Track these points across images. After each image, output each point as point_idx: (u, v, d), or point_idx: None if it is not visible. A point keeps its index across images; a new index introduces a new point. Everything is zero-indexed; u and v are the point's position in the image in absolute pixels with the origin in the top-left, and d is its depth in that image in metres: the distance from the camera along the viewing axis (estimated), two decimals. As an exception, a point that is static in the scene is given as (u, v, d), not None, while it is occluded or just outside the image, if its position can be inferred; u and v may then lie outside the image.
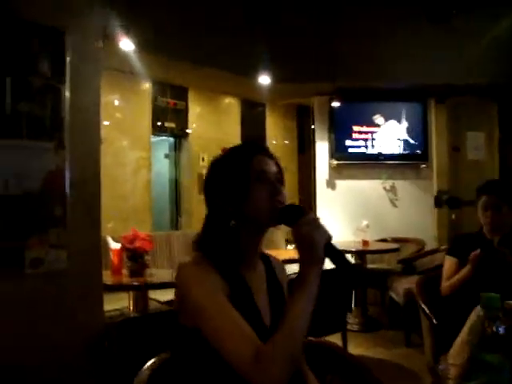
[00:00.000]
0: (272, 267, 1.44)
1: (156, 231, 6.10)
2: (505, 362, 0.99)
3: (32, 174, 2.15)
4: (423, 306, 2.75)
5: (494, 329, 1.01)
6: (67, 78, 2.27)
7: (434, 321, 2.64)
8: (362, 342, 4.33)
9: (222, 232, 1.28)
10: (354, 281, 1.30)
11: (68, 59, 2.27)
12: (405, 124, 5.98)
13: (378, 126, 5.96)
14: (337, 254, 1.15)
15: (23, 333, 2.10)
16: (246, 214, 1.26)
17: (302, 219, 1.17)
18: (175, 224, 7.01)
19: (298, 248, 1.17)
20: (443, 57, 5.26)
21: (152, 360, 1.59)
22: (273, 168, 1.31)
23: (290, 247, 4.88)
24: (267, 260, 1.45)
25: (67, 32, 2.26)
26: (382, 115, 5.96)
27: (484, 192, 2.78)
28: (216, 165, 1.36)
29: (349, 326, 4.32)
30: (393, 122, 5.98)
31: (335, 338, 3.58)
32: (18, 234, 2.09)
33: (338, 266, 1.16)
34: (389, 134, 5.97)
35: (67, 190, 2.23)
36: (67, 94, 2.27)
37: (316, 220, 1.18)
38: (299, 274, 1.16)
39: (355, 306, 4.80)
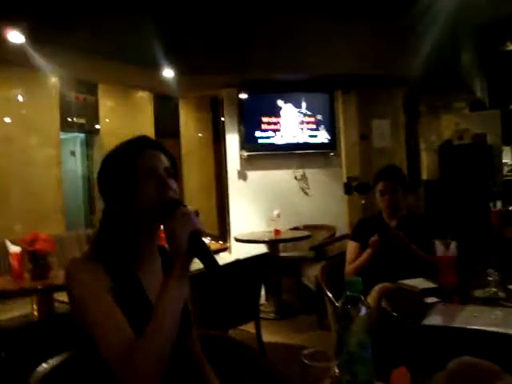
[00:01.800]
0: None
1: (70, 231, 5.89)
2: (367, 340, 1.05)
3: None
4: (326, 290, 2.85)
5: (357, 311, 1.07)
6: None
7: (337, 304, 2.75)
8: (277, 330, 4.43)
9: (112, 231, 1.29)
10: (217, 278, 1.26)
11: None
12: (312, 114, 6.13)
13: (285, 116, 6.08)
14: (201, 249, 1.13)
15: None
16: (136, 211, 1.25)
17: (174, 213, 1.17)
18: (90, 223, 6.81)
19: (167, 242, 1.18)
20: (348, 49, 5.44)
21: (48, 361, 1.55)
22: (162, 162, 1.30)
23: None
24: (165, 254, 1.43)
25: None
26: (290, 106, 6.08)
27: (380, 178, 2.94)
28: (105, 162, 1.33)
29: (264, 315, 4.41)
30: (300, 113, 6.11)
31: (250, 327, 3.65)
32: None
33: (203, 262, 1.13)
34: (297, 125, 6.10)
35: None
36: None
37: (186, 214, 1.17)
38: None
39: (270, 294, 4.89)
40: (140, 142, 1.34)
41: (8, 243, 3.24)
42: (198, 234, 1.14)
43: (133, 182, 1.24)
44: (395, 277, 2.47)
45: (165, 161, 1.31)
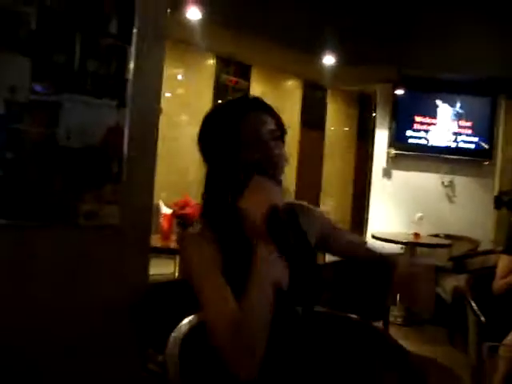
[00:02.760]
0: (293, 216, 1.33)
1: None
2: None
3: (93, 129, 2.21)
4: (472, 302, 2.66)
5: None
6: (134, 40, 2.30)
7: (482, 318, 2.56)
8: (404, 336, 4.24)
9: (217, 198, 1.24)
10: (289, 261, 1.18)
11: (136, 22, 2.30)
12: (471, 118, 5.75)
13: (440, 118, 5.76)
14: (276, 227, 1.02)
15: (68, 282, 2.18)
16: (236, 174, 1.18)
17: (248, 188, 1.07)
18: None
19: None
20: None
21: (190, 317, 1.61)
22: (266, 124, 1.21)
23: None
24: (289, 210, 1.32)
25: (138, -6, 2.29)
26: (446, 107, 5.76)
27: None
28: (207, 122, 1.29)
29: (392, 319, 4.25)
30: (458, 116, 5.77)
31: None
32: (76, 186, 2.16)
33: (276, 244, 1.03)
34: (453, 128, 5.76)
35: (125, 147, 2.28)
36: (132, 55, 2.31)
37: (261, 184, 1.07)
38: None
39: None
40: (243, 102, 1.27)
41: (161, 204, 3.48)
42: (275, 210, 1.02)
43: (236, 148, 1.19)
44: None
45: (270, 122, 1.23)
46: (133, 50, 2.33)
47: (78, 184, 2.17)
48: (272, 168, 1.18)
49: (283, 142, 1.25)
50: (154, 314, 2.48)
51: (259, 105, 1.26)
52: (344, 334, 1.62)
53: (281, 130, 1.25)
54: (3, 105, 1.98)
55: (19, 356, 2.02)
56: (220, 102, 1.33)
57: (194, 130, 5.49)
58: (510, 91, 5.79)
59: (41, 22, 2.05)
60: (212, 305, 1.11)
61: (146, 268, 2.54)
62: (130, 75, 2.32)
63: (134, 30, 2.33)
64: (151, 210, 2.45)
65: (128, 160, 2.28)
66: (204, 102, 6.49)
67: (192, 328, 1.56)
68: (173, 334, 1.60)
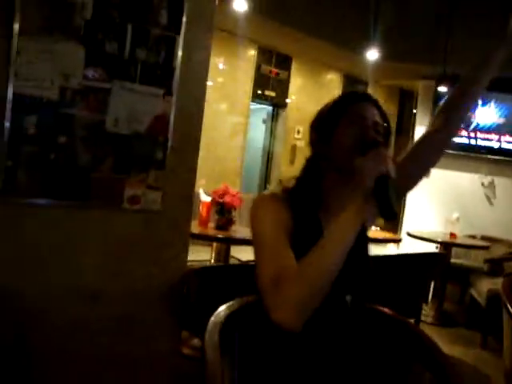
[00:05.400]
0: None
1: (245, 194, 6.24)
2: None
3: (140, 116, 2.27)
4: (509, 306, 2.63)
5: None
6: (182, 31, 2.35)
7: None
8: (434, 336, 4.20)
9: (306, 173, 1.34)
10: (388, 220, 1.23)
11: (185, 12, 2.35)
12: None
13: (485, 117, 5.65)
14: (383, 194, 1.06)
15: (109, 263, 2.26)
16: (335, 151, 1.27)
17: (369, 152, 1.12)
18: (263, 191, 7.13)
19: (356, 179, 1.14)
20: None
21: (230, 302, 1.65)
22: (372, 115, 1.28)
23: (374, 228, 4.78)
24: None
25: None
26: (492, 106, 5.63)
27: None
28: (322, 108, 1.38)
29: (423, 317, 4.22)
30: (503, 115, 5.63)
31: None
32: (122, 171, 2.24)
33: (379, 206, 1.06)
34: (495, 127, 5.63)
35: (170, 135, 2.34)
36: (181, 45, 2.36)
37: (379, 154, 1.11)
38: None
39: (432, 297, 4.67)
40: (359, 95, 1.36)
41: (201, 192, 3.54)
42: (385, 177, 1.07)
43: (339, 123, 1.27)
44: None
45: (375, 116, 1.29)
46: (181, 39, 2.38)
47: (124, 169, 2.25)
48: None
49: (387, 139, 1.31)
50: (192, 298, 2.55)
51: (371, 100, 1.34)
52: (379, 328, 1.64)
53: (386, 129, 1.31)
54: (58, 91, 2.06)
55: (58, 336, 2.12)
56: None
57: (234, 118, 5.59)
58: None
59: (95, 12, 2.12)
60: (268, 257, 1.14)
61: (185, 254, 2.61)
62: (178, 64, 2.37)
63: (184, 20, 2.38)
64: (192, 198, 2.51)
65: (172, 148, 2.34)
66: (244, 91, 6.53)
67: (231, 313, 1.60)
68: (212, 319, 1.64)
